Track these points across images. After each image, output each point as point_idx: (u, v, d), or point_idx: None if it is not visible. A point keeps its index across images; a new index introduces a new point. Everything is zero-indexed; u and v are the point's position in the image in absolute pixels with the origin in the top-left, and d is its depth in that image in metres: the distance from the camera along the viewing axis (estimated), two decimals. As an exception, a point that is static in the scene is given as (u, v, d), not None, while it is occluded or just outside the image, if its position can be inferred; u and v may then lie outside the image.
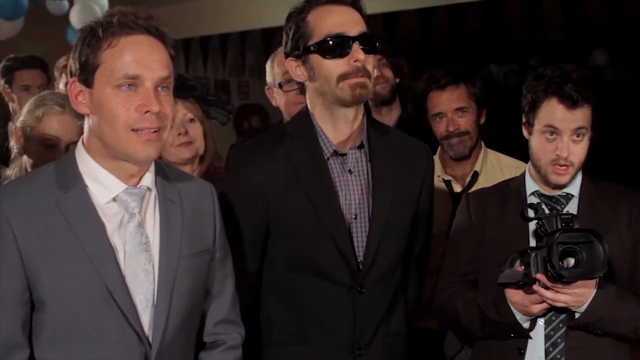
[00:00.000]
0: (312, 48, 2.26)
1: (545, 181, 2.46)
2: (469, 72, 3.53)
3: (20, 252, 1.76)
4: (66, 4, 6.94)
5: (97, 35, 1.80)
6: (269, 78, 3.19)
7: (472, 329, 2.51)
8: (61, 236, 1.78)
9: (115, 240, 1.84)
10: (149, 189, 1.91)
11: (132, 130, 1.80)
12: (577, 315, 2.33)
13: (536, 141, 2.44)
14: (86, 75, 1.81)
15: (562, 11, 7.91)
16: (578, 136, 2.39)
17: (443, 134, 3.37)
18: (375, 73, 4.09)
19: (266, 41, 9.06)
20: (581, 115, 2.38)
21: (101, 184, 1.84)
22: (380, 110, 4.10)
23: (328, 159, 2.31)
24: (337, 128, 2.31)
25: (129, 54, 1.80)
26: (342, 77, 2.23)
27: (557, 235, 2.18)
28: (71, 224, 1.79)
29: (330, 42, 2.23)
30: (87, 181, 1.84)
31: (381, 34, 7.39)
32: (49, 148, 2.64)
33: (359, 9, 2.28)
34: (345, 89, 2.24)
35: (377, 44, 2.26)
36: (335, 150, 2.31)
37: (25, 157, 2.71)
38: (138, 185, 1.88)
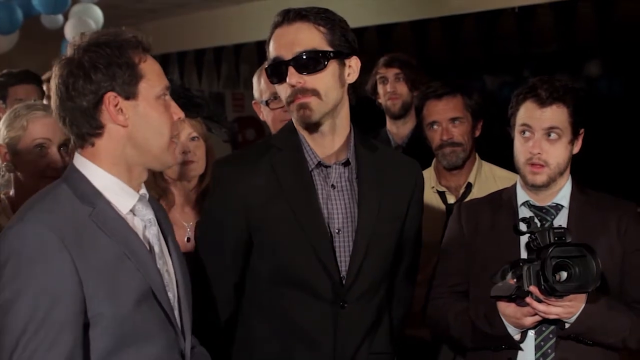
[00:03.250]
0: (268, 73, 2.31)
1: (526, 183, 2.50)
2: (467, 84, 3.56)
3: (78, 271, 1.74)
4: (61, 18, 6.95)
5: (126, 51, 1.86)
6: (256, 93, 3.20)
7: (462, 340, 2.52)
8: (105, 249, 1.80)
9: (146, 245, 1.91)
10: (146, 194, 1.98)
11: (171, 138, 1.92)
12: (567, 326, 2.35)
13: (516, 143, 2.52)
14: (128, 88, 1.85)
15: (556, 23, 7.93)
16: (550, 135, 2.44)
17: (437, 143, 3.39)
18: (389, 88, 4.15)
19: (260, 54, 9.06)
20: (552, 114, 2.44)
21: (119, 195, 1.88)
22: (394, 122, 4.14)
23: (312, 170, 2.31)
24: (317, 142, 2.31)
25: (157, 67, 1.92)
26: (287, 102, 2.26)
27: (550, 249, 2.19)
28: (111, 236, 1.81)
29: (269, 70, 2.28)
30: (106, 194, 1.86)
31: (378, 46, 7.41)
32: (42, 152, 2.67)
33: (316, 21, 2.24)
34: (293, 112, 2.26)
35: (326, 60, 2.21)
36: (319, 162, 2.30)
37: (12, 174, 2.73)
38: (140, 192, 1.94)
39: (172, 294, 1.94)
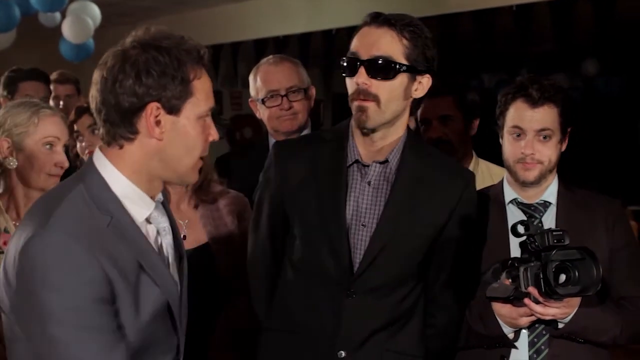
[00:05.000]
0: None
1: (517, 180, 2.51)
2: (462, 82, 3.55)
3: (109, 278, 1.69)
4: (58, 16, 6.95)
5: (185, 64, 1.79)
6: (252, 91, 3.21)
7: (456, 340, 2.51)
8: (126, 260, 1.74)
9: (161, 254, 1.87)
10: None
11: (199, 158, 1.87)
12: (560, 325, 2.36)
13: (505, 143, 2.52)
14: (175, 102, 1.78)
15: (554, 21, 7.94)
16: (544, 138, 2.46)
17: (427, 140, 3.39)
18: None
19: (258, 52, 9.08)
20: (544, 115, 2.45)
21: (136, 204, 1.82)
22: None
23: (350, 166, 2.38)
24: (364, 142, 2.38)
25: (208, 86, 1.85)
26: (350, 98, 2.33)
27: (552, 252, 2.20)
28: (130, 248, 1.76)
29: (344, 61, 2.34)
30: (124, 202, 1.80)
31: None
32: (50, 150, 2.66)
33: (402, 32, 2.29)
34: (353, 110, 2.34)
35: (397, 71, 2.27)
36: (357, 160, 2.38)
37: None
38: (156, 199, 1.90)
39: (178, 303, 1.90)
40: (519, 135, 2.47)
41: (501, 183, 2.61)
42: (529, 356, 2.42)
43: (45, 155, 2.66)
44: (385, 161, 2.37)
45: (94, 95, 1.80)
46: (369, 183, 2.37)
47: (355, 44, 2.33)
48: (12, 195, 2.67)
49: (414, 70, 2.30)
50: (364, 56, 2.28)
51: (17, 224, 2.61)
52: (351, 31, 2.39)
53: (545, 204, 2.53)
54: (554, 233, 2.24)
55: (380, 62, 2.27)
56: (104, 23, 7.09)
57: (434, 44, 2.36)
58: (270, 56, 3.30)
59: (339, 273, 2.34)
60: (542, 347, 2.41)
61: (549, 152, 2.47)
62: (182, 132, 1.80)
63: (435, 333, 2.45)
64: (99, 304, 1.66)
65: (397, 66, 2.27)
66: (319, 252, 2.36)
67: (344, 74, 2.35)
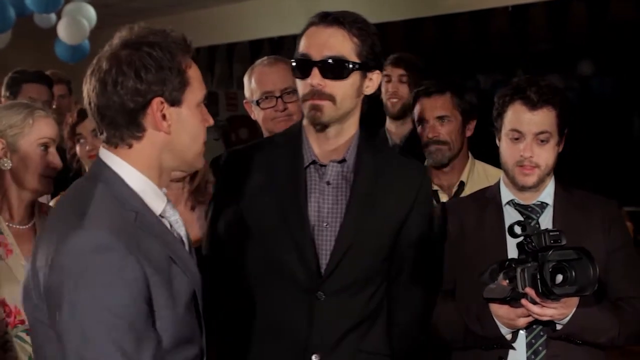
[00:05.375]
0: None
1: (515, 184, 2.50)
2: (459, 83, 3.56)
3: (146, 275, 1.70)
4: (54, 17, 6.94)
5: (176, 55, 1.81)
6: (247, 93, 3.21)
7: (454, 341, 2.52)
8: (157, 253, 1.75)
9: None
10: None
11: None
12: (558, 327, 2.36)
13: (503, 145, 2.52)
14: (176, 94, 1.81)
15: (549, 22, 7.96)
16: (542, 141, 2.45)
17: (424, 140, 3.41)
18: (390, 88, 4.16)
19: (254, 53, 9.07)
20: (543, 118, 2.44)
21: (152, 198, 1.84)
22: (393, 122, 4.15)
23: (307, 167, 2.37)
24: (319, 141, 2.37)
25: (199, 73, 1.88)
26: (303, 99, 2.32)
27: (548, 252, 2.20)
28: (158, 241, 1.78)
29: (295, 64, 2.33)
30: (142, 196, 1.82)
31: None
32: (45, 151, 2.66)
33: (351, 30, 2.29)
34: (305, 109, 2.33)
35: (350, 70, 2.27)
36: (314, 160, 2.37)
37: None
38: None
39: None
40: (517, 138, 2.47)
41: (498, 184, 2.60)
42: (527, 357, 2.42)
43: (39, 156, 2.65)
44: (343, 160, 2.36)
45: (92, 101, 1.80)
46: (327, 183, 2.36)
47: (304, 45, 2.31)
48: (5, 196, 2.66)
49: (365, 68, 2.31)
50: (316, 57, 2.28)
51: (10, 225, 2.61)
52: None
53: (542, 205, 2.53)
54: (551, 233, 2.24)
55: (333, 62, 2.27)
56: (100, 24, 7.07)
57: (380, 39, 2.36)
58: (265, 57, 3.29)
59: (307, 276, 2.32)
60: (540, 348, 2.41)
61: (546, 155, 2.46)
62: (187, 122, 1.84)
63: (399, 332, 2.44)
64: (139, 303, 1.67)
65: (350, 65, 2.28)
66: (285, 257, 2.34)
67: (295, 77, 2.35)
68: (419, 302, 2.48)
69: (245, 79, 3.24)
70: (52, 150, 2.68)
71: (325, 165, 2.37)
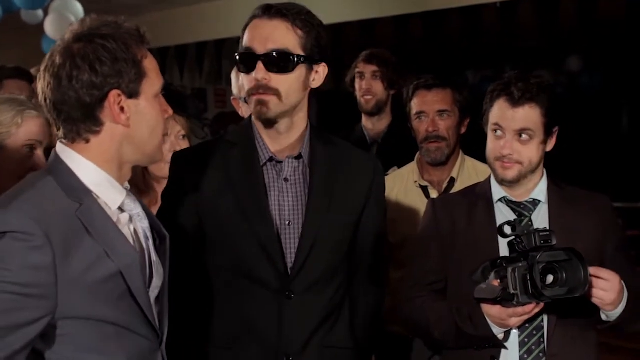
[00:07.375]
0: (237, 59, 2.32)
1: (497, 178, 2.50)
2: (457, 80, 3.55)
3: (56, 271, 1.68)
4: (41, 13, 6.91)
5: (130, 46, 1.79)
6: (234, 89, 3.19)
7: (446, 341, 2.50)
8: (87, 250, 1.73)
9: (133, 241, 1.86)
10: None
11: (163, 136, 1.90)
12: (604, 317, 2.37)
13: (488, 140, 2.50)
14: (133, 86, 1.79)
15: (538, 18, 7.97)
16: (522, 136, 2.43)
17: (422, 135, 3.36)
18: (364, 85, 4.13)
19: (243, 49, 9.05)
20: (524, 115, 2.42)
21: (109, 191, 1.82)
22: (369, 119, 4.13)
23: (264, 165, 2.33)
24: (271, 138, 2.34)
25: (155, 64, 1.86)
26: (248, 93, 2.28)
27: (538, 254, 2.19)
28: (95, 237, 1.74)
29: (239, 58, 2.29)
30: (96, 191, 1.80)
31: (360, 42, 7.41)
32: (30, 153, 2.61)
33: (295, 22, 2.25)
34: (251, 105, 2.29)
35: (295, 63, 2.24)
36: (271, 157, 2.33)
37: None
38: (124, 187, 1.90)
39: (157, 289, 1.90)
40: (499, 133, 2.45)
41: (488, 181, 2.58)
42: (520, 356, 2.40)
43: (24, 157, 2.59)
44: (299, 156, 2.34)
45: (48, 97, 1.79)
46: (285, 180, 2.33)
47: (248, 38, 2.27)
48: None
49: (311, 61, 2.28)
50: (260, 50, 2.24)
51: None
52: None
53: (535, 202, 2.51)
54: (541, 234, 2.22)
55: (277, 55, 2.23)
56: (87, 20, 7.05)
57: (326, 31, 2.33)
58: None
59: (276, 277, 2.28)
60: (533, 347, 2.40)
61: (529, 153, 2.44)
62: (145, 114, 1.83)
63: (361, 323, 2.44)
64: (27, 291, 1.65)
65: (295, 58, 2.24)
66: (253, 260, 2.28)
67: (240, 71, 2.31)
68: (378, 294, 2.49)
69: (233, 76, 3.22)
70: (39, 152, 2.62)
71: (282, 162, 2.33)
